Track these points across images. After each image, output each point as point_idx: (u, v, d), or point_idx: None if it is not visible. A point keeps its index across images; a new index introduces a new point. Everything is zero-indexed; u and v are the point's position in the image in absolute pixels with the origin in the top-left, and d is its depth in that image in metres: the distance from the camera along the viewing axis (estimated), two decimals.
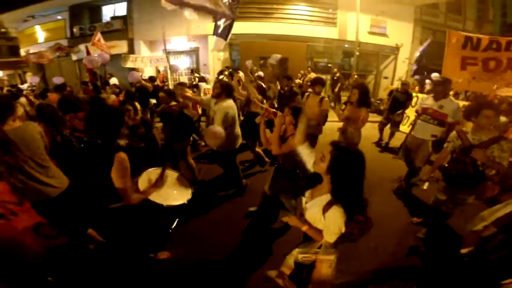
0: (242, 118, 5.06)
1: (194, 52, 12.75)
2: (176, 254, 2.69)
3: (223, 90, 3.43)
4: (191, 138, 4.22)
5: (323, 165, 1.46)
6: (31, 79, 10.54)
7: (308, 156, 1.73)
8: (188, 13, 4.82)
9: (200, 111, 5.75)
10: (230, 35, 5.65)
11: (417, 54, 8.96)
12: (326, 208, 1.45)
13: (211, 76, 10.66)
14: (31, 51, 13.59)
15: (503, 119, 3.72)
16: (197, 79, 8.31)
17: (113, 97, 5.80)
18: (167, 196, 2.13)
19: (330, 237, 1.49)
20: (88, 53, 7.76)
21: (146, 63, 9.60)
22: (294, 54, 11.95)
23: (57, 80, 9.29)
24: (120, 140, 2.14)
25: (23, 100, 6.03)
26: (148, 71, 11.67)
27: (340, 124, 3.95)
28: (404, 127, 6.85)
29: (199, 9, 4.80)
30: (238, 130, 3.71)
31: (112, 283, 2.34)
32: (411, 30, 12.54)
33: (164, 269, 2.55)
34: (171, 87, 8.37)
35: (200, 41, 12.23)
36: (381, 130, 6.41)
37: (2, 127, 2.07)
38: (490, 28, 14.39)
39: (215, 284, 2.45)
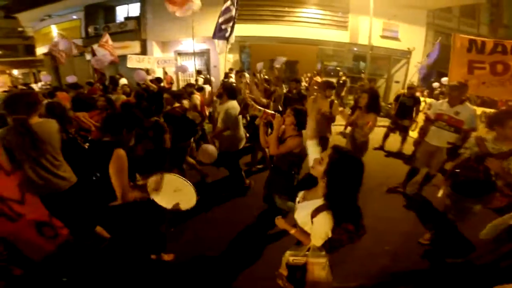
0: (244, 120, 5.11)
1: (204, 53, 12.85)
2: (178, 255, 2.71)
3: (225, 91, 3.57)
4: (192, 139, 4.26)
5: (321, 168, 1.45)
6: (43, 78, 10.76)
7: (313, 153, 1.69)
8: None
9: (207, 112, 5.81)
10: (232, 37, 5.68)
11: (427, 60, 8.61)
12: (314, 213, 1.45)
13: (222, 78, 10.74)
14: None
15: None
16: (201, 80, 8.31)
17: (123, 97, 5.88)
18: (171, 200, 2.16)
19: (317, 241, 1.49)
20: (94, 54, 7.88)
21: (153, 63, 9.58)
22: (305, 57, 11.99)
23: (70, 79, 9.47)
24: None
25: None
26: (160, 72, 11.81)
27: (342, 128, 3.97)
28: (415, 133, 6.80)
29: None
30: (241, 131, 3.77)
31: (113, 283, 2.38)
32: (423, 34, 12.43)
33: (165, 269, 2.57)
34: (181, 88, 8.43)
35: (211, 43, 12.28)
36: (386, 135, 6.23)
37: (29, 121, 2.19)
38: (505, 32, 14.14)
39: (217, 284, 2.48)
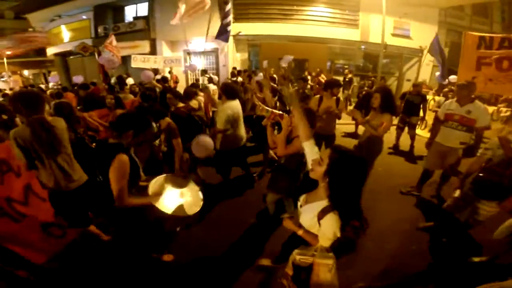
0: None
1: (213, 52, 12.83)
2: (178, 255, 2.68)
3: (223, 91, 3.58)
4: None
5: (321, 169, 1.42)
6: (51, 79, 10.83)
7: (311, 154, 1.64)
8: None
9: (210, 113, 5.77)
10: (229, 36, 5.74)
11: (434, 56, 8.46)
12: (321, 215, 1.43)
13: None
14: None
15: None
16: (206, 80, 8.26)
17: (130, 96, 5.86)
18: (175, 204, 2.08)
19: (325, 241, 1.49)
20: (99, 54, 7.86)
21: (159, 63, 9.46)
22: (314, 56, 11.91)
23: (77, 79, 9.51)
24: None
25: None
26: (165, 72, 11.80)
27: (345, 128, 3.86)
28: (423, 132, 6.71)
29: None
30: (241, 131, 3.75)
31: (113, 283, 2.35)
32: (435, 32, 12.19)
33: (165, 270, 2.54)
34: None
35: (220, 42, 12.29)
36: (398, 136, 6.15)
37: (44, 117, 2.17)
38: None
39: (218, 284, 2.45)
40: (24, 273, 2.23)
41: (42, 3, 14.35)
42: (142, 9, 13.32)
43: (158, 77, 8.57)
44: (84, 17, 14.24)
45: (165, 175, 2.22)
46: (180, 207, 2.08)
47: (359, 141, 3.86)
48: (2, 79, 12.61)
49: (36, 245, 2.40)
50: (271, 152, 4.65)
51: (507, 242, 2.37)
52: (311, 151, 1.66)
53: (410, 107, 5.85)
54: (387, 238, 3.03)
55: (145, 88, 5.63)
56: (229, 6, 5.40)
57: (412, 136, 5.97)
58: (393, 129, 6.09)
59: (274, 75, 8.31)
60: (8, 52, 9.13)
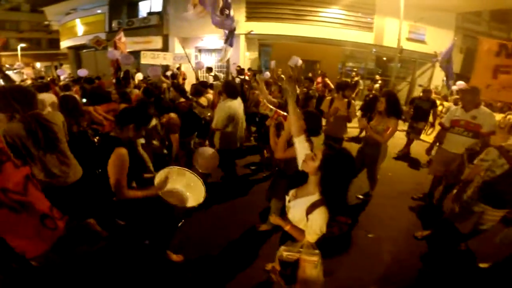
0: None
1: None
2: (179, 253, 2.64)
3: (224, 90, 3.58)
4: (196, 133, 4.23)
5: (313, 164, 1.44)
6: (59, 72, 10.94)
7: (303, 149, 1.67)
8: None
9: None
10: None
11: (440, 59, 8.34)
12: (310, 209, 1.46)
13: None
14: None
15: None
16: (211, 78, 8.24)
17: (136, 91, 5.92)
18: (178, 196, 2.11)
19: (311, 237, 1.51)
20: (115, 48, 7.92)
21: (169, 59, 9.51)
22: (326, 58, 11.80)
23: (81, 72, 9.62)
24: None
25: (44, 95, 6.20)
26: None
27: (350, 131, 3.78)
28: (429, 137, 6.60)
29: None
30: (239, 131, 3.72)
31: (114, 280, 2.34)
32: (451, 37, 12.00)
33: (166, 268, 2.51)
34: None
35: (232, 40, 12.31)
36: (409, 142, 6.04)
37: (40, 113, 2.15)
38: None
39: (218, 284, 2.42)
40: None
41: None
42: (156, 5, 13.43)
43: (168, 73, 8.60)
44: (99, 11, 14.44)
45: (170, 167, 2.23)
46: (185, 198, 2.11)
47: (361, 146, 3.78)
48: (14, 71, 12.84)
49: (33, 237, 2.37)
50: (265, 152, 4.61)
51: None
52: (301, 146, 1.70)
53: (418, 112, 5.78)
54: (397, 243, 3.03)
55: (148, 84, 5.68)
56: None
57: (411, 140, 5.96)
58: (401, 135, 6.08)
59: (282, 76, 8.25)
60: None
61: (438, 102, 6.45)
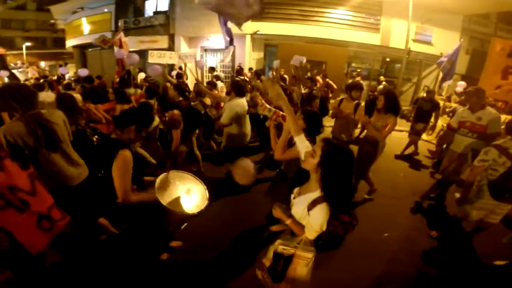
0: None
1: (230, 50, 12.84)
2: (179, 254, 2.65)
3: (233, 89, 3.69)
4: (197, 131, 4.26)
5: (313, 161, 1.45)
6: (61, 70, 10.98)
7: (303, 148, 1.67)
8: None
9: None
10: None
11: (444, 59, 8.24)
12: (311, 206, 1.47)
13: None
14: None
15: None
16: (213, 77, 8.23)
17: (138, 90, 5.94)
18: (179, 202, 2.03)
19: (311, 234, 1.52)
20: (120, 46, 7.94)
21: (175, 59, 9.59)
22: (333, 58, 11.74)
23: (82, 72, 9.65)
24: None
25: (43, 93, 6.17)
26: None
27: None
28: (430, 137, 6.60)
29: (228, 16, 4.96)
30: (246, 129, 3.82)
31: (112, 280, 2.34)
32: (457, 39, 11.94)
33: (166, 267, 2.51)
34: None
35: (237, 40, 12.28)
36: (415, 143, 6.00)
37: (41, 112, 2.12)
38: None
39: (219, 283, 2.42)
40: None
41: None
42: (163, 4, 13.45)
43: (174, 73, 8.64)
44: (106, 10, 14.49)
45: (171, 171, 2.17)
46: (186, 205, 2.04)
47: (360, 145, 3.80)
48: (19, 70, 12.90)
49: (31, 236, 2.35)
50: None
51: None
52: (302, 145, 1.70)
53: (419, 113, 5.76)
54: (407, 243, 3.06)
55: (150, 83, 5.69)
56: None
57: (412, 141, 5.93)
58: (403, 135, 6.06)
59: (285, 76, 8.21)
60: None
61: (441, 103, 6.42)
